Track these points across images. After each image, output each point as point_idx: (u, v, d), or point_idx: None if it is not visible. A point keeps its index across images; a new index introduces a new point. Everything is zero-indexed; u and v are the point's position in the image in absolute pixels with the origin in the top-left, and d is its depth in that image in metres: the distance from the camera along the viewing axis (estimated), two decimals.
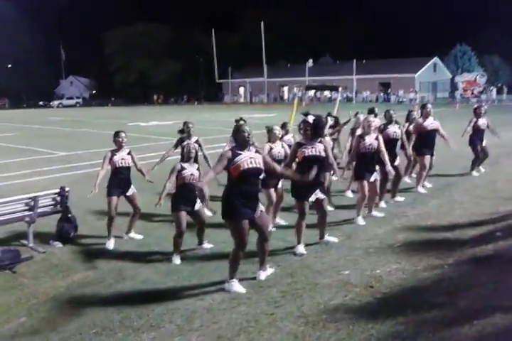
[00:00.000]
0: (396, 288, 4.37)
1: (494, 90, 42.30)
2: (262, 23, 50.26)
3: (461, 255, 5.13)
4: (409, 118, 8.83)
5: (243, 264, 4.98)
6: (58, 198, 6.13)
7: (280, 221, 6.46)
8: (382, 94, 51.02)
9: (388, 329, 3.64)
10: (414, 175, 8.85)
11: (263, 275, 4.69)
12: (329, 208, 6.45)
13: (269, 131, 6.16)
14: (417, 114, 8.89)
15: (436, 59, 54.99)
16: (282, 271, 4.85)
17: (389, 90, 48.81)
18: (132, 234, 6.13)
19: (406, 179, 8.72)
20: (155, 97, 65.58)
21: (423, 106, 8.48)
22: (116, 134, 5.98)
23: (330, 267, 4.90)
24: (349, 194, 7.91)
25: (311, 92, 51.92)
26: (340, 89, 10.96)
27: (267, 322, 3.82)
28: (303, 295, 4.27)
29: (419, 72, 51.47)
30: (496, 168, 9.65)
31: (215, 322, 3.84)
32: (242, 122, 6.65)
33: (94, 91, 76.09)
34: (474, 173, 9.33)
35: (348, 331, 3.63)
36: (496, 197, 7.60)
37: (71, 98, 63.93)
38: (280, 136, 6.25)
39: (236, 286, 4.43)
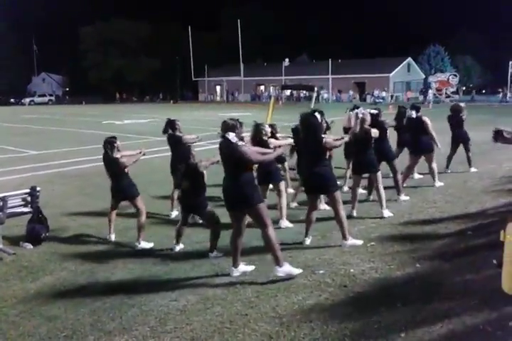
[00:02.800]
0: (370, 287, 4.41)
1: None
2: (239, 21, 50.15)
3: (433, 253, 5.21)
4: (404, 115, 8.77)
5: (221, 261, 4.99)
6: (29, 198, 5.98)
7: None
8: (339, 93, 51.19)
9: (362, 328, 3.67)
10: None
11: (236, 272, 4.73)
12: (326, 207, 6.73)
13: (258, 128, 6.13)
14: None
15: (409, 59, 55.82)
16: (257, 270, 4.85)
17: (373, 91, 48.85)
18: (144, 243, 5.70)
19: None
20: (117, 95, 64.11)
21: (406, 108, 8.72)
22: (115, 140, 5.78)
23: (305, 267, 4.91)
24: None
25: (289, 91, 52.12)
26: (316, 89, 10.96)
27: (241, 322, 3.81)
28: (278, 295, 4.27)
29: (394, 72, 52.16)
30: (467, 168, 9.83)
31: (189, 324, 3.81)
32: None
33: (67, 89, 74.72)
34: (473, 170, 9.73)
35: (322, 331, 3.64)
36: (468, 196, 7.74)
37: (43, 95, 62.64)
38: (268, 135, 6.21)
39: (289, 267, 4.57)
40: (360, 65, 51.93)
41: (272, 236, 4.53)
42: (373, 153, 6.65)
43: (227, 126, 4.58)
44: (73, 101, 58.52)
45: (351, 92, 51.54)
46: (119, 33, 64.50)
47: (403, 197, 7.53)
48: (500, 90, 46.01)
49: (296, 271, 4.62)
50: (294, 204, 7.21)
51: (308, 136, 5.38)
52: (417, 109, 8.46)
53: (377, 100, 45.11)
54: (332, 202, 5.52)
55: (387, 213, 6.62)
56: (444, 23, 68.28)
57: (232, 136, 4.49)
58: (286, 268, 4.55)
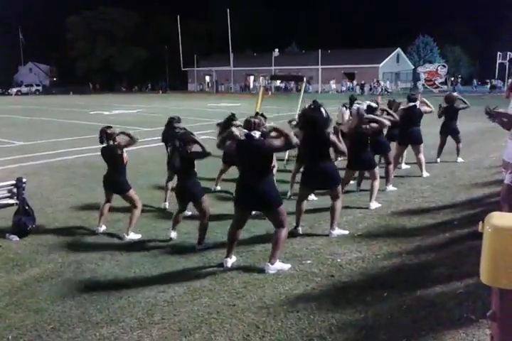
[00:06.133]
0: (356, 276, 4.45)
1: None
2: (228, 11, 49.78)
3: (419, 243, 5.25)
4: (397, 107, 8.85)
5: (209, 252, 4.99)
6: (15, 190, 5.93)
7: None
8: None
9: (348, 317, 3.69)
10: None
11: (230, 262, 4.75)
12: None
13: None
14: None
15: (399, 50, 55.84)
16: (245, 261, 4.86)
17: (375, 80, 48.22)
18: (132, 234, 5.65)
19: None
20: (91, 85, 62.75)
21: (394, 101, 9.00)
22: (107, 129, 5.62)
23: (292, 257, 4.94)
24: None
25: (278, 82, 51.94)
26: (305, 79, 10.93)
27: (228, 313, 3.82)
28: (265, 286, 4.28)
29: (383, 63, 52.16)
30: (455, 158, 9.90)
31: (176, 315, 3.81)
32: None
33: (54, 79, 73.75)
34: (460, 160, 9.86)
35: (309, 320, 3.67)
36: (455, 186, 7.80)
37: (30, 85, 61.72)
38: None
39: (279, 264, 4.60)
40: (349, 56, 51.84)
41: (284, 237, 4.65)
42: (370, 150, 6.59)
43: (253, 125, 4.49)
44: (61, 92, 57.76)
45: (355, 82, 51.14)
46: (107, 23, 63.63)
47: (390, 188, 7.57)
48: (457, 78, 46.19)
49: (286, 267, 4.63)
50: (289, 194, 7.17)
51: (314, 132, 5.30)
52: (415, 100, 8.51)
53: (389, 90, 44.58)
54: (333, 195, 5.58)
55: (374, 205, 6.65)
56: (433, 14, 68.22)
57: (257, 134, 4.44)
58: (277, 266, 4.57)
